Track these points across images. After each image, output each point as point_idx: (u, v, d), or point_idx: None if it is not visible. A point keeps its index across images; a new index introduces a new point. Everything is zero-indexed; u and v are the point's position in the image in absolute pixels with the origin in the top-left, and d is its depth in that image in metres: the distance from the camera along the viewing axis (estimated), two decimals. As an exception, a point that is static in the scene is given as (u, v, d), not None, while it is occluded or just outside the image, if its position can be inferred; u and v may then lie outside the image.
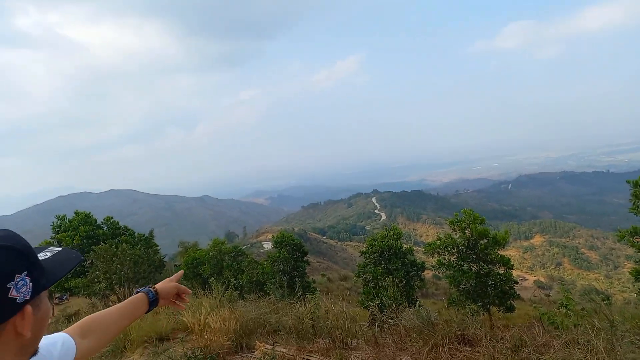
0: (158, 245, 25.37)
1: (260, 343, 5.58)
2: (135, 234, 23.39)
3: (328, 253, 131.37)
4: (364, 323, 6.15)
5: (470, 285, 17.93)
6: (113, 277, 10.01)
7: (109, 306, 1.47)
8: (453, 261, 19.11)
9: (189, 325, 6.00)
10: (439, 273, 21.26)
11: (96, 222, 22.81)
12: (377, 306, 5.98)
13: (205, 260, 30.89)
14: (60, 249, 1.06)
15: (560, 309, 4.83)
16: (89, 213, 23.56)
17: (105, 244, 13.84)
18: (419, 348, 4.68)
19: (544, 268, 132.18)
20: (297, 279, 24.82)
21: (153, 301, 1.63)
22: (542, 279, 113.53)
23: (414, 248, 26.77)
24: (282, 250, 24.98)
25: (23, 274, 0.90)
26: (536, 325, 4.48)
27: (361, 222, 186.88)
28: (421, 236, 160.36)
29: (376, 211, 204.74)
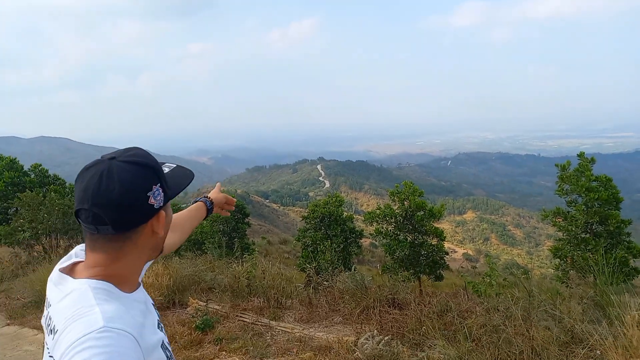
0: (91, 198, 24.10)
1: (194, 299, 5.51)
2: (67, 184, 22.05)
3: (270, 217, 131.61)
4: (300, 284, 6.23)
5: (404, 254, 18.64)
6: (39, 226, 9.42)
7: (33, 256, 1.44)
8: (390, 230, 19.73)
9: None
10: (376, 241, 21.92)
11: (22, 168, 21.24)
12: (314, 268, 6.05)
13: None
14: (174, 165, 1.27)
15: (485, 279, 5.11)
16: (15, 159, 21.87)
17: (32, 191, 12.93)
18: (351, 309, 4.81)
19: (473, 242, 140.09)
20: (236, 239, 24.76)
21: (210, 209, 1.88)
22: (470, 252, 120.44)
23: (354, 216, 27.34)
24: (223, 211, 24.71)
25: (157, 185, 1.07)
26: (462, 293, 4.72)
27: (305, 188, 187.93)
28: (362, 205, 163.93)
29: (320, 178, 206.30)
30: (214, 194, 1.96)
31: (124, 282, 1.08)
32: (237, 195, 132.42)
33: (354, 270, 6.93)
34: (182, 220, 1.73)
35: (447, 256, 20.57)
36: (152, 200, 1.06)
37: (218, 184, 2.12)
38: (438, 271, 18.97)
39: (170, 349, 1.16)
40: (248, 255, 6.66)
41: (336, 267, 6.43)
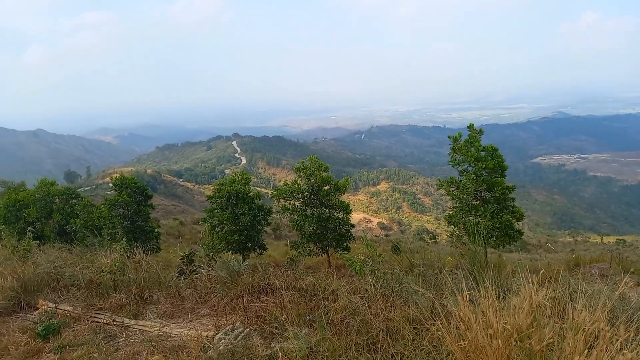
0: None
1: (44, 301, 4.85)
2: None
3: (184, 196, 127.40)
4: (175, 274, 5.77)
5: (312, 229, 18.72)
6: None
7: None
8: (298, 206, 19.66)
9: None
10: (283, 217, 21.79)
11: None
12: (187, 257, 5.61)
13: (31, 202, 27.31)
14: None
15: (359, 256, 5.02)
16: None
17: None
18: (219, 300, 4.49)
19: (387, 211, 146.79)
20: (139, 223, 23.42)
21: None
22: (384, 221, 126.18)
23: (270, 192, 27.01)
24: (122, 194, 23.12)
25: None
26: (332, 273, 4.58)
27: (221, 165, 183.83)
28: (280, 181, 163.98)
29: (237, 155, 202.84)
30: None
31: None
32: (147, 175, 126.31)
33: (259, 250, 6.60)
34: None
35: (364, 226, 21.14)
36: None
37: None
38: (345, 243, 19.31)
39: None
40: (117, 243, 6.03)
41: (218, 251, 6.04)
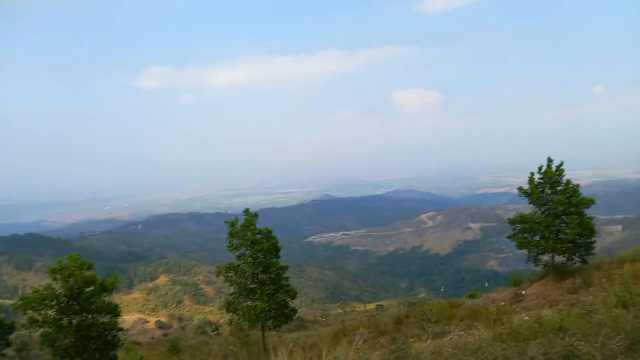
0: None
1: None
2: None
3: None
4: None
5: (70, 341, 15.71)
6: None
7: None
8: (51, 316, 16.37)
9: None
10: (34, 331, 17.74)
11: None
12: None
13: None
14: None
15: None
16: None
17: None
18: None
19: (166, 307, 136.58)
20: None
21: None
22: (163, 319, 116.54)
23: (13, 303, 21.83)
24: None
25: None
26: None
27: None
28: (32, 288, 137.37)
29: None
30: None
31: None
32: None
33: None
34: None
35: (139, 328, 18.62)
36: None
37: None
38: (112, 352, 16.69)
39: None
40: None
41: None
